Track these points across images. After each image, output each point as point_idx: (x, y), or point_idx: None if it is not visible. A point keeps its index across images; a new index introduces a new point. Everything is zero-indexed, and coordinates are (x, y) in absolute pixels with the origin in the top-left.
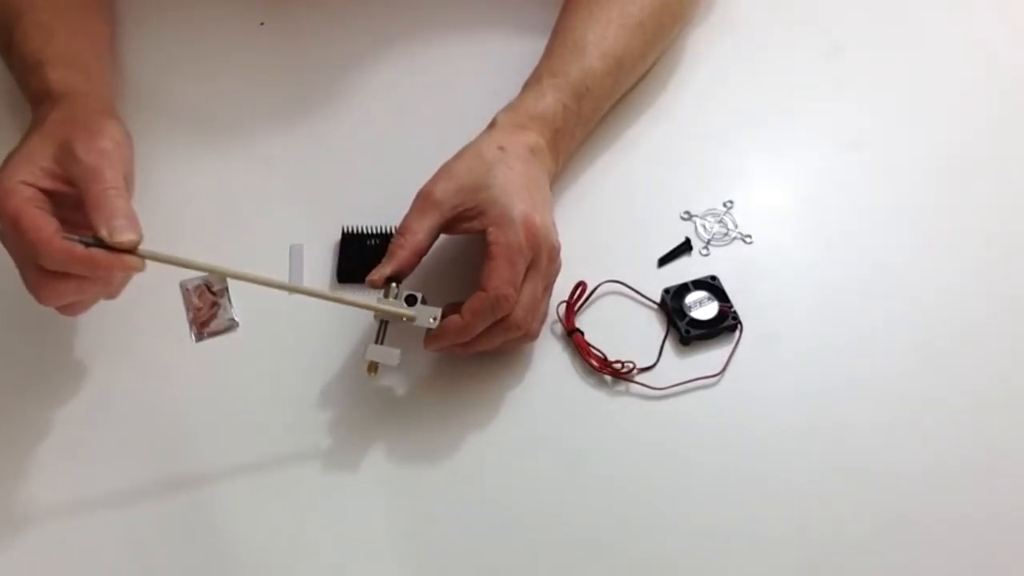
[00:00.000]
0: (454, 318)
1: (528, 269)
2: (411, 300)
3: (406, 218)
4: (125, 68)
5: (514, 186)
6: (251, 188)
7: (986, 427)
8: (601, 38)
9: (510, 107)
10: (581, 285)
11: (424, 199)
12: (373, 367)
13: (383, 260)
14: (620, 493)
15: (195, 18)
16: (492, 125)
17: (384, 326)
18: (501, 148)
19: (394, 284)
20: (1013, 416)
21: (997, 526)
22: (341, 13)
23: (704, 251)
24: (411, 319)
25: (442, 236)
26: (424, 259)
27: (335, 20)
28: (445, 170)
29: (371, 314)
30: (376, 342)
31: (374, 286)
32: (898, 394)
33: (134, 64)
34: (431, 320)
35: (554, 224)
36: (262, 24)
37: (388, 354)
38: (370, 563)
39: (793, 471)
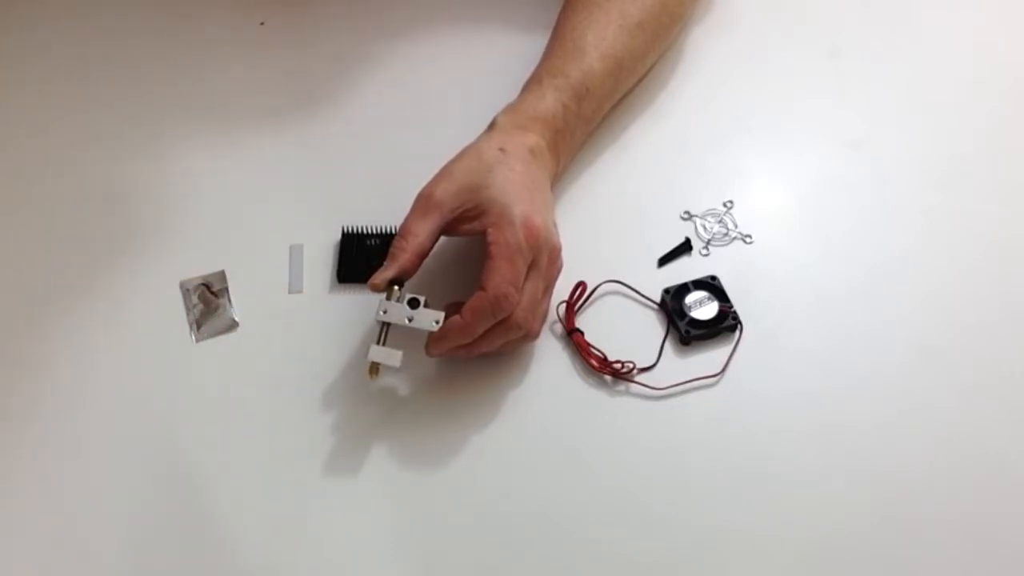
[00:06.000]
0: (455, 319)
1: (529, 269)
2: (414, 303)
3: (406, 220)
4: (125, 68)
5: (514, 187)
6: (251, 188)
7: (985, 427)
8: (600, 39)
9: (510, 108)
10: (581, 285)
11: (424, 201)
12: (374, 368)
13: (385, 263)
14: (620, 493)
15: (195, 18)
16: (492, 126)
17: (386, 328)
18: (501, 149)
19: (396, 287)
20: (1012, 416)
21: (996, 526)
22: (341, 13)
23: (704, 251)
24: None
25: (445, 239)
26: (426, 261)
27: (335, 20)
28: (445, 172)
29: (372, 315)
30: (378, 343)
31: (376, 290)
32: (898, 394)
33: (134, 63)
34: (434, 323)
35: (555, 225)
36: (262, 24)
37: (390, 355)
38: (370, 563)
39: (793, 471)
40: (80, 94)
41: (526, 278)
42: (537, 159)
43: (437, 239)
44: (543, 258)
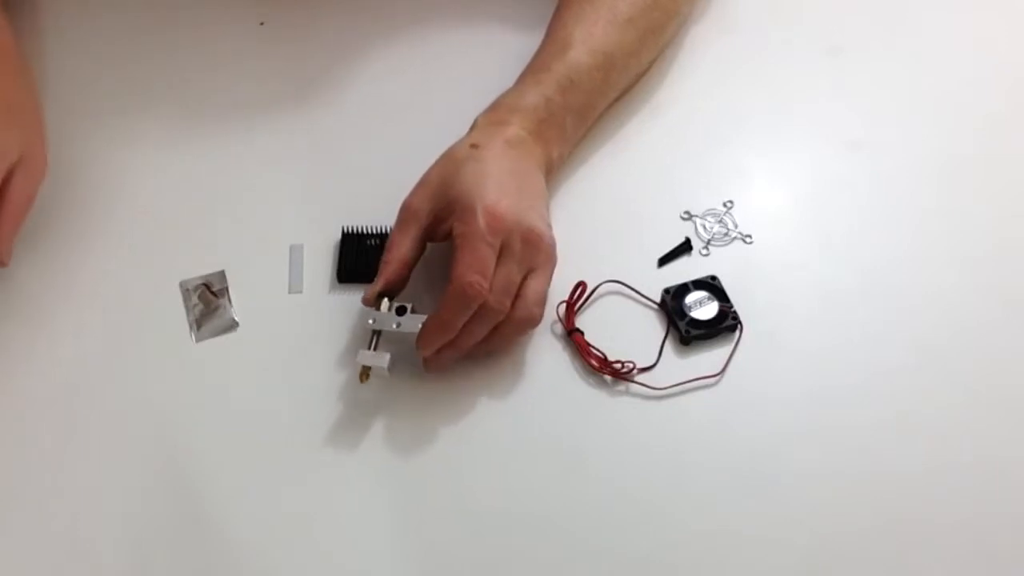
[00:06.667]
0: (432, 316)
1: (499, 254)
2: (401, 311)
3: (391, 233)
4: (124, 67)
5: (482, 178)
6: (251, 188)
7: (985, 427)
8: (588, 34)
9: (490, 107)
10: (581, 285)
11: (403, 212)
12: (365, 372)
13: (375, 278)
14: (620, 493)
15: (195, 18)
16: (472, 127)
17: (377, 335)
18: (474, 145)
19: (386, 299)
20: (1012, 416)
21: (997, 526)
22: (341, 13)
23: (704, 251)
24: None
25: (441, 247)
26: (420, 269)
27: (335, 20)
28: (421, 179)
29: (368, 315)
30: (368, 349)
31: (368, 304)
32: (898, 394)
33: (133, 62)
34: (419, 326)
35: (537, 211)
36: (262, 24)
37: (379, 358)
38: (369, 562)
39: (793, 471)
40: (78, 93)
41: (498, 263)
42: (516, 149)
43: (422, 247)
44: (514, 241)
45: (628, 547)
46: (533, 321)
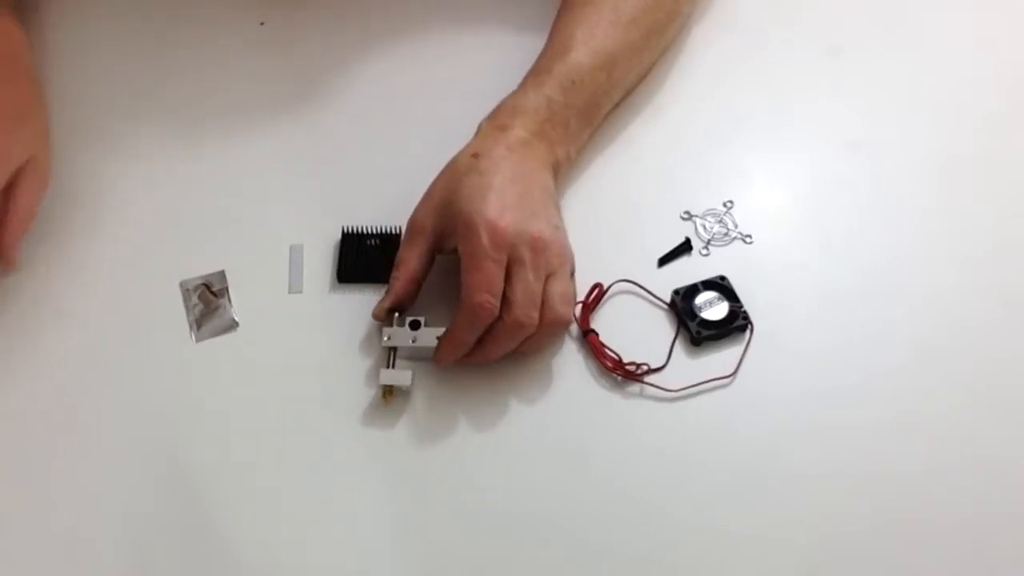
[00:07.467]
0: (445, 334)
1: (511, 266)
2: (415, 325)
3: (399, 249)
4: (123, 67)
5: (483, 192)
6: (251, 188)
7: (985, 427)
8: (590, 35)
9: (493, 111)
10: (598, 287)
11: (410, 226)
12: (388, 391)
13: (384, 293)
14: (633, 495)
15: (195, 18)
16: (476, 133)
17: (393, 352)
18: (475, 155)
19: (397, 314)
20: (1013, 416)
21: (997, 526)
22: (341, 13)
23: (704, 251)
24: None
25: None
26: (432, 281)
27: (335, 20)
28: (426, 192)
29: (372, 315)
30: (387, 367)
31: (378, 319)
32: (898, 394)
33: (134, 63)
34: (436, 339)
35: (541, 216)
36: (262, 24)
37: (400, 376)
38: (374, 563)
39: (793, 471)
40: (78, 93)
41: (511, 276)
42: (517, 152)
43: (430, 262)
44: (523, 251)
45: (641, 549)
46: (563, 322)
